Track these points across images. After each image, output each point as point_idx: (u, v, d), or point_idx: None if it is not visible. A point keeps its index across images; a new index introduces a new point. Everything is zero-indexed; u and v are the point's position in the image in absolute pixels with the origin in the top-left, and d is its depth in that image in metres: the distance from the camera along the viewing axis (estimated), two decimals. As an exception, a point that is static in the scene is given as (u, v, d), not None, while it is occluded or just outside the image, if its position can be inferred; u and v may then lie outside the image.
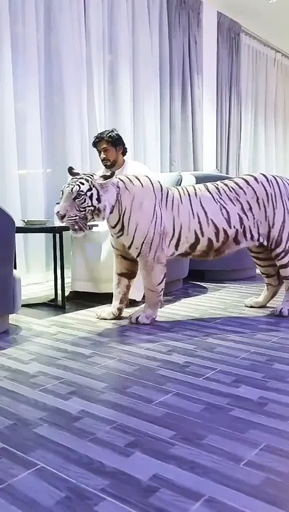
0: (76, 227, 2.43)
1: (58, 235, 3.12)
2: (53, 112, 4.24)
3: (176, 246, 2.65)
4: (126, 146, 3.33)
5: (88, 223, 2.51)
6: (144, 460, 1.23)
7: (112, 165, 3.23)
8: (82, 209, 2.40)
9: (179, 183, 3.68)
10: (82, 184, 2.41)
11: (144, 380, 1.79)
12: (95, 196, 2.42)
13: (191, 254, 2.71)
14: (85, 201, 2.40)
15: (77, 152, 4.31)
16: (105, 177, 2.46)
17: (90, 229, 3.16)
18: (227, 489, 1.10)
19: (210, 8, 6.09)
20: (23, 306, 3.01)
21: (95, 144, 3.26)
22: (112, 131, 3.24)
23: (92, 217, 2.47)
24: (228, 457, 1.24)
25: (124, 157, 3.35)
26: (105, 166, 3.26)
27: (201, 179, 3.85)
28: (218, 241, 2.67)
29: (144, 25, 5.08)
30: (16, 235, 3.76)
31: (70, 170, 2.61)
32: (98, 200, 2.43)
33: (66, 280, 3.25)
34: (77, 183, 2.41)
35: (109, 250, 3.10)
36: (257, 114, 7.59)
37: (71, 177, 2.51)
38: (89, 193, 2.41)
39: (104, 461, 1.23)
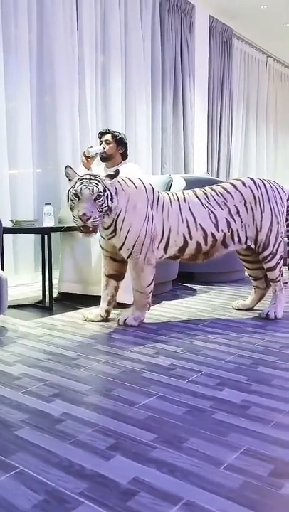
0: (91, 228, 2.38)
1: (46, 236, 3.11)
2: (45, 113, 4.23)
3: (165, 249, 2.66)
4: (128, 152, 3.42)
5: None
6: (124, 463, 1.23)
7: (107, 158, 3.30)
8: (101, 210, 2.38)
9: (169, 185, 3.68)
10: (98, 185, 2.38)
11: (129, 383, 1.78)
12: (110, 196, 2.42)
13: (179, 257, 2.72)
14: (104, 202, 2.39)
15: (68, 153, 4.30)
16: (111, 176, 2.46)
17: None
18: (206, 493, 1.10)
19: (202, 12, 6.11)
20: (10, 307, 3.00)
21: (101, 135, 3.37)
22: (121, 133, 3.37)
23: (103, 218, 2.44)
24: (208, 461, 1.24)
25: (124, 160, 3.40)
26: (101, 157, 3.30)
27: (191, 182, 3.85)
28: (206, 244, 2.68)
29: (137, 27, 5.10)
30: (5, 235, 3.76)
31: (69, 167, 2.52)
32: (112, 199, 2.43)
33: (54, 281, 3.24)
34: (93, 183, 2.37)
35: (99, 253, 3.09)
36: (248, 117, 7.63)
37: (79, 177, 2.43)
38: (105, 193, 2.40)
39: (85, 464, 1.22)
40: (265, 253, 2.76)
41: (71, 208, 2.41)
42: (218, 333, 2.49)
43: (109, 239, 2.60)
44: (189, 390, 1.72)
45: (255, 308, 3.05)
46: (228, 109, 6.83)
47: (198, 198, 2.70)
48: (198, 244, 2.67)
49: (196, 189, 2.78)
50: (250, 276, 3.05)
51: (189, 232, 2.64)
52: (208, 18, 6.27)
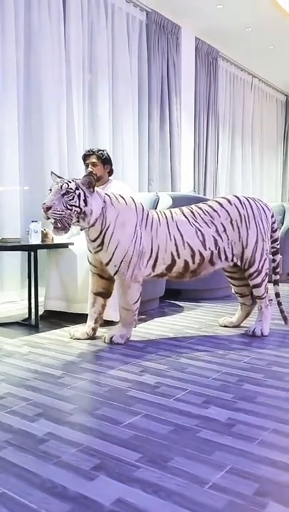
0: (59, 224, 2.41)
1: (32, 253, 3.10)
2: (32, 130, 4.25)
3: (153, 267, 2.66)
4: (113, 167, 3.41)
5: (65, 236, 2.50)
6: (108, 483, 1.22)
7: (96, 180, 3.28)
8: (69, 206, 2.40)
9: (155, 203, 3.71)
10: (70, 183, 2.43)
11: (114, 402, 1.77)
12: (82, 197, 2.43)
13: (167, 275, 2.72)
14: (73, 198, 2.41)
15: (55, 170, 4.31)
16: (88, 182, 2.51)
17: (66, 247, 3.16)
18: (190, 513, 1.09)
19: (188, 33, 6.24)
20: (-5, 325, 2.97)
21: (85, 157, 3.34)
22: (104, 150, 3.34)
23: (78, 221, 2.47)
24: (192, 480, 1.23)
25: (110, 177, 3.40)
26: None
27: (177, 200, 3.89)
28: (194, 263, 2.69)
29: (124, 47, 5.19)
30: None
31: (53, 174, 2.59)
32: (85, 202, 2.44)
33: (41, 299, 3.22)
34: (66, 181, 2.43)
35: (85, 271, 3.09)
36: (234, 136, 7.75)
37: (58, 179, 2.51)
38: (77, 192, 2.42)
39: (68, 485, 1.21)
40: (251, 270, 2.78)
41: None
42: (204, 351, 2.49)
43: (96, 252, 2.60)
44: (175, 409, 1.71)
45: (241, 325, 3.06)
46: (215, 127, 6.93)
47: (186, 217, 2.73)
48: (186, 262, 2.68)
49: (182, 207, 2.81)
50: (236, 293, 3.07)
51: (177, 250, 2.66)
52: (194, 39, 6.40)
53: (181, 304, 3.93)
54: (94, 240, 2.57)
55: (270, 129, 8.92)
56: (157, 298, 3.76)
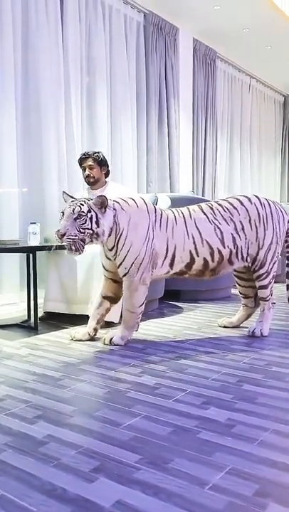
0: (73, 247, 2.42)
1: (31, 255, 3.10)
2: (30, 132, 4.24)
3: (171, 265, 2.66)
4: (109, 168, 3.40)
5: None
6: (108, 485, 1.21)
7: (94, 182, 3.28)
8: (82, 230, 2.41)
9: (154, 204, 3.70)
10: (82, 205, 2.43)
11: (114, 403, 1.77)
12: (94, 219, 2.44)
13: (187, 273, 2.71)
14: (85, 222, 2.41)
15: (55, 172, 4.31)
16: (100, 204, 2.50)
17: (65, 248, 3.15)
18: (190, 514, 1.09)
19: (186, 34, 6.24)
20: (-6, 327, 2.97)
21: (81, 161, 3.32)
22: (99, 152, 3.33)
23: (91, 241, 2.48)
24: (192, 481, 1.23)
25: (106, 179, 3.40)
26: (88, 182, 3.30)
27: (176, 200, 3.89)
28: (213, 261, 2.69)
29: (122, 49, 5.19)
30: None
31: (65, 193, 2.61)
32: (97, 224, 2.45)
33: (40, 301, 3.21)
34: (78, 204, 2.43)
35: (84, 272, 3.09)
36: (232, 137, 7.75)
37: (70, 199, 2.52)
38: (89, 215, 2.43)
39: (67, 487, 1.20)
40: (261, 271, 2.77)
41: None
42: (204, 352, 2.49)
43: (115, 259, 2.61)
44: (174, 410, 1.71)
45: (241, 325, 3.06)
46: (213, 128, 6.93)
47: (205, 214, 2.71)
48: (205, 260, 2.67)
49: (201, 204, 2.79)
50: (240, 293, 3.05)
51: (196, 249, 2.65)
52: (192, 40, 6.40)
53: (180, 304, 3.93)
54: (111, 249, 2.58)
55: (268, 129, 8.91)
56: (156, 299, 3.75)
